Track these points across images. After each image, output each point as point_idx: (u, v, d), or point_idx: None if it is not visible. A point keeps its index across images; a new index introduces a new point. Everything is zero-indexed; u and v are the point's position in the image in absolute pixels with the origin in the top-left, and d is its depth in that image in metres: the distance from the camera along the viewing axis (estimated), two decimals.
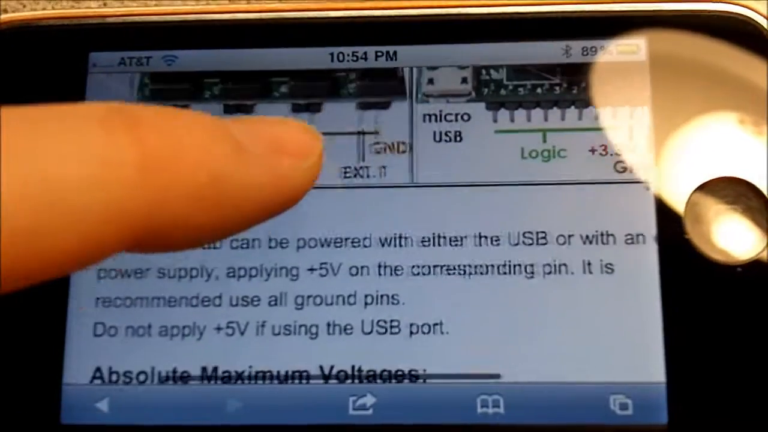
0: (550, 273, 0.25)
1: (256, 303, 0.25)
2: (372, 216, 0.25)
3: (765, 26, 0.25)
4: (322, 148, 0.17)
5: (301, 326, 0.25)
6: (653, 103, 0.25)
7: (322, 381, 0.24)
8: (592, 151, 0.25)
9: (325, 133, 0.25)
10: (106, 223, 0.14)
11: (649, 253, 0.24)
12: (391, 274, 0.25)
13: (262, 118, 0.17)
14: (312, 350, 0.24)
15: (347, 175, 0.26)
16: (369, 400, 0.24)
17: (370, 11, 0.27)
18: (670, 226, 0.24)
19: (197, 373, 0.24)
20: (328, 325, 0.25)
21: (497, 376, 0.24)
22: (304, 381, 0.24)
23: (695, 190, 0.25)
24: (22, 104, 0.26)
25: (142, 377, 0.25)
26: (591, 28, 0.26)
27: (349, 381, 0.24)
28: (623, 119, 0.25)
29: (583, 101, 0.26)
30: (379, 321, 0.25)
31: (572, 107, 0.26)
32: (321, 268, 0.25)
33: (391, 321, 0.25)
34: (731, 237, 0.24)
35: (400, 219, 0.25)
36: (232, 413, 0.24)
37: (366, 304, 0.25)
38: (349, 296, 0.25)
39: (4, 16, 0.27)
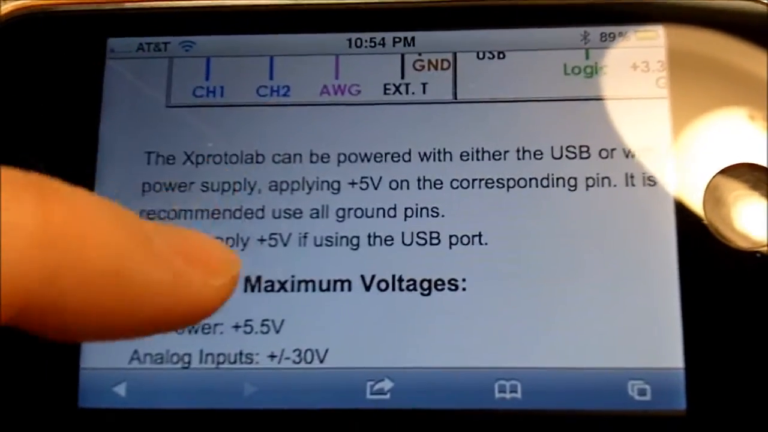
0: (592, 186, 0.25)
1: (298, 215, 0.25)
2: (412, 132, 0.26)
3: None
4: (237, 273, 0.16)
5: (342, 237, 0.25)
6: (671, 89, 0.25)
7: (363, 289, 0.25)
8: (634, 67, 0.25)
9: (366, 52, 0.26)
10: None
11: (669, 239, 0.24)
12: (431, 188, 0.25)
13: (183, 228, 0.16)
14: (353, 260, 0.25)
15: (388, 91, 0.26)
16: (386, 384, 0.24)
17: None
18: (690, 213, 0.24)
19: (241, 284, 0.25)
20: (369, 236, 0.25)
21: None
22: (345, 289, 0.25)
23: (714, 176, 0.25)
24: (41, 90, 0.26)
25: None
26: (610, 14, 0.26)
27: (390, 289, 0.24)
28: (642, 105, 0.25)
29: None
30: (419, 233, 0.25)
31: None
32: (362, 182, 0.25)
33: (431, 232, 0.25)
34: (751, 223, 0.24)
35: (441, 134, 0.26)
36: (248, 397, 0.24)
37: (406, 216, 0.25)
38: (390, 209, 0.25)
39: (22, 1, 0.27)
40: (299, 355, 0.24)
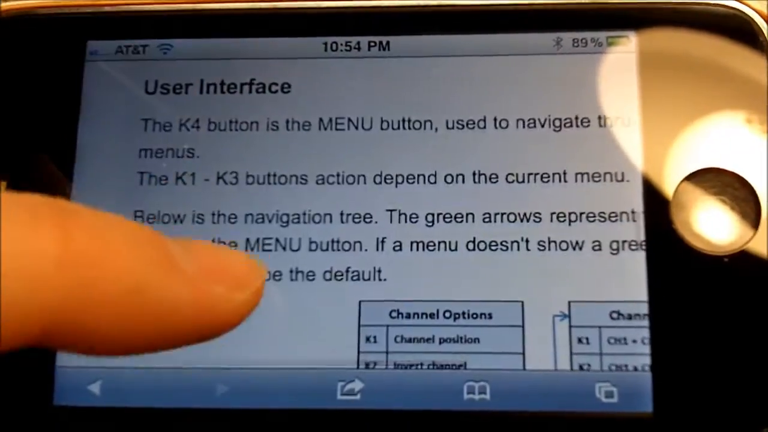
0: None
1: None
2: None
3: (755, 19, 0.25)
4: (262, 284, 0.16)
5: None
6: (642, 95, 0.25)
7: None
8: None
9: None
10: (15, 314, 0.13)
11: (637, 242, 0.25)
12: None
13: (208, 243, 0.16)
14: None
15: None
16: (357, 385, 0.24)
17: (364, 2, 0.27)
18: (658, 217, 0.25)
19: None
20: None
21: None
22: None
23: (683, 181, 0.25)
24: (22, 92, 0.26)
25: None
26: (582, 20, 0.26)
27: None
28: (613, 110, 0.25)
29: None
30: None
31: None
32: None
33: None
34: (718, 228, 0.25)
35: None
36: (219, 397, 0.24)
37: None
38: None
39: (3, 5, 0.27)
40: None
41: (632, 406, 0.24)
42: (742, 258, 0.24)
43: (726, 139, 0.25)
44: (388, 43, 0.27)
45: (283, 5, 0.27)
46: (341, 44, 0.27)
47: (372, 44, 0.27)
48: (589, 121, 0.25)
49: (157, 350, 0.15)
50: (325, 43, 0.27)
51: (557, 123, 0.26)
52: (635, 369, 0.24)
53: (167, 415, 0.25)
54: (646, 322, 0.24)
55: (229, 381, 0.25)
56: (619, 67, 0.26)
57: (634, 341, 0.24)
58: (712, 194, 0.25)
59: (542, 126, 0.26)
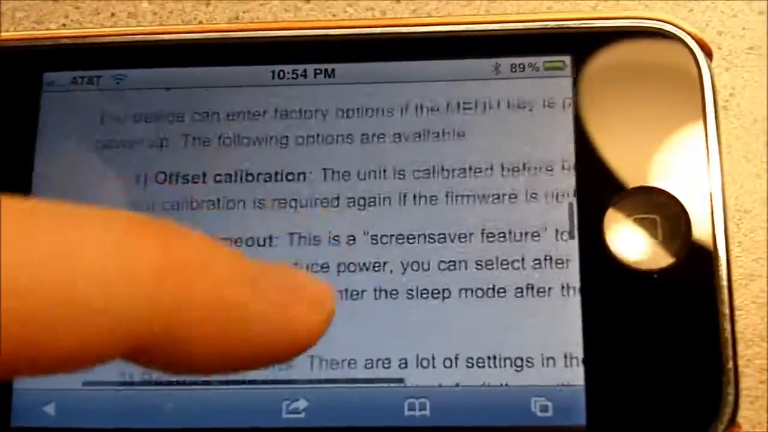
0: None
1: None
2: None
3: (686, 40, 0.26)
4: (335, 307, 0.16)
5: None
6: (577, 115, 0.26)
7: None
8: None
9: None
10: (109, 327, 0.13)
11: (569, 259, 0.25)
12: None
13: (284, 264, 0.16)
14: None
15: None
16: (301, 404, 0.25)
17: (309, 31, 0.28)
18: (590, 234, 0.25)
19: None
20: None
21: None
22: None
23: (615, 199, 0.26)
24: None
25: None
26: (520, 46, 0.27)
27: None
28: (549, 130, 0.26)
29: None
30: None
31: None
32: None
33: None
34: (648, 244, 0.25)
35: None
36: (168, 416, 0.25)
37: None
38: None
39: None
40: None
41: (566, 419, 0.24)
42: (672, 274, 0.25)
43: (658, 158, 0.26)
44: (333, 70, 0.28)
45: (231, 35, 0.28)
46: (288, 72, 0.28)
47: (318, 71, 0.28)
48: (525, 149, 0.26)
49: (241, 370, 0.15)
50: (273, 71, 0.28)
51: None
52: (569, 384, 0.25)
53: None
54: (580, 338, 0.25)
55: (176, 399, 0.25)
56: (555, 91, 0.27)
57: (569, 357, 0.25)
58: (644, 212, 0.26)
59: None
